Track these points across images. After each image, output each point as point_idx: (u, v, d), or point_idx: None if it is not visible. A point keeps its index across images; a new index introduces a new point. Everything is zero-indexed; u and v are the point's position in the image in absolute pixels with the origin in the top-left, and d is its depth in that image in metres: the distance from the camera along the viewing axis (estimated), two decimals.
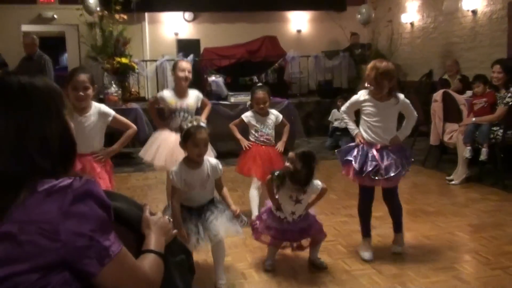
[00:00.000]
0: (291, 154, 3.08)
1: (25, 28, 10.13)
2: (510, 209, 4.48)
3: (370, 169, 3.22)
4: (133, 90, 8.86)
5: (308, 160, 3.05)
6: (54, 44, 12.08)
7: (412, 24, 10.19)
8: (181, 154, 3.13)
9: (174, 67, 4.20)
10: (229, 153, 6.15)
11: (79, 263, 1.12)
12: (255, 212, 4.16)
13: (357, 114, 3.53)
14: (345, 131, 7.70)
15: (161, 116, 4.36)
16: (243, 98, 6.91)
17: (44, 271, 1.09)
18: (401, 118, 3.46)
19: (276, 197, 3.18)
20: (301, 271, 3.23)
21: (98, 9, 8.18)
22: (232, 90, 7.75)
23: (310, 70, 10.21)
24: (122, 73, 7.83)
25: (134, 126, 3.51)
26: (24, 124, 1.17)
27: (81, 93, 3.12)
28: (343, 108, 3.57)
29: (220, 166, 3.04)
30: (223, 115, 6.65)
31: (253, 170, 4.18)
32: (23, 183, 1.12)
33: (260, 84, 6.41)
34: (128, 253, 1.23)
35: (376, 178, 3.23)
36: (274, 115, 4.35)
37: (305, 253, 3.36)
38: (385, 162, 3.24)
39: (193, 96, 4.21)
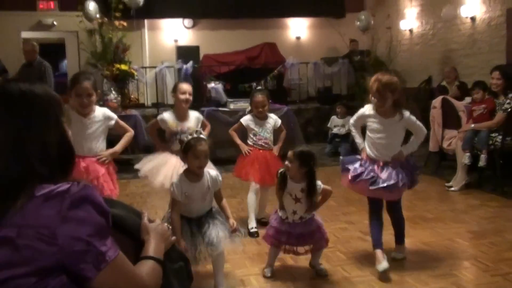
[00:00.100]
0: (290, 153, 3.13)
1: (25, 34, 10.16)
2: (510, 215, 4.47)
3: (366, 178, 3.21)
4: (132, 96, 8.86)
5: (306, 159, 3.07)
6: (54, 51, 12.08)
7: (411, 30, 10.24)
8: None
9: (175, 89, 4.05)
10: (228, 159, 6.13)
11: (76, 267, 1.13)
12: (252, 218, 4.16)
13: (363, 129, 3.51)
14: (344, 137, 7.73)
15: (162, 138, 4.25)
16: (243, 104, 6.92)
17: (41, 274, 1.10)
18: (409, 134, 3.40)
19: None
20: (300, 278, 3.22)
21: (97, 16, 8.19)
22: (232, 97, 7.77)
23: (310, 77, 10.21)
24: (121, 80, 7.86)
25: (132, 131, 3.69)
26: (24, 131, 1.19)
27: (85, 100, 3.25)
28: (351, 121, 3.56)
29: (220, 178, 3.05)
30: (222, 122, 6.66)
31: (251, 174, 4.19)
32: (22, 188, 1.14)
33: (259, 87, 6.40)
34: (125, 259, 1.24)
35: (373, 187, 3.20)
36: (273, 119, 4.35)
37: (305, 260, 3.36)
38: (384, 175, 3.22)
39: (194, 118, 4.07)
